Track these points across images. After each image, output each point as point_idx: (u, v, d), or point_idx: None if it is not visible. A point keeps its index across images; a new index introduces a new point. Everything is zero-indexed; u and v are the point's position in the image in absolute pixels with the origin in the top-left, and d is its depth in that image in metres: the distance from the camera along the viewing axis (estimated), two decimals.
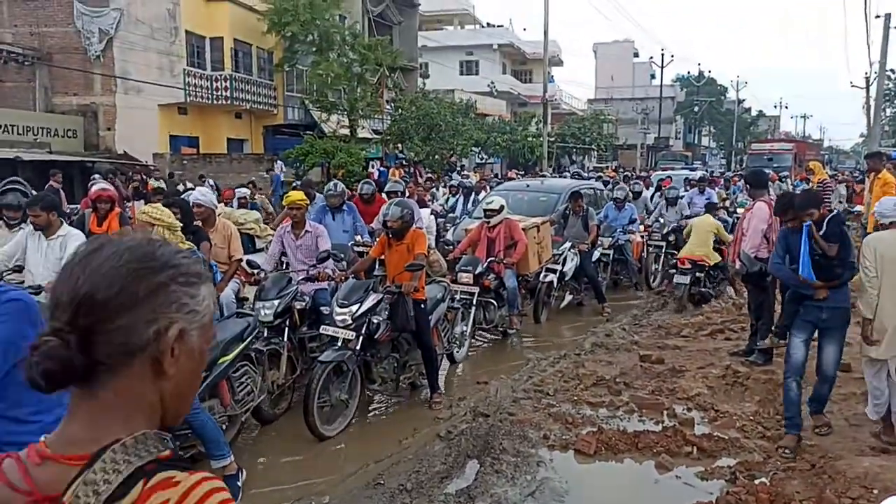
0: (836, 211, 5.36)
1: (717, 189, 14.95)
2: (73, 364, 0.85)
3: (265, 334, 5.25)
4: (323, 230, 6.08)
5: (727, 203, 14.53)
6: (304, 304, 5.66)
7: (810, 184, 10.97)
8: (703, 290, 9.24)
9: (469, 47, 44.08)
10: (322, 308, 5.77)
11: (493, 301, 7.25)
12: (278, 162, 23.06)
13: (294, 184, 15.48)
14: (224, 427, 4.44)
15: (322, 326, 5.32)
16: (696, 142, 65.24)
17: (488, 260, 7.24)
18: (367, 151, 24.42)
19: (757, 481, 4.02)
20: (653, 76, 59.37)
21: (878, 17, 21.70)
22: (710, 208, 10.23)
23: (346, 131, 24.02)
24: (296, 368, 5.53)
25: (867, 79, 35.81)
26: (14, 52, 21.38)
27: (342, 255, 6.21)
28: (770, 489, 3.84)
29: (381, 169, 24.28)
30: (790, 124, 79.37)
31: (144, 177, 16.46)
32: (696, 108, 60.16)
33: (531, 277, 8.04)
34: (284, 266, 6.32)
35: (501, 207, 7.69)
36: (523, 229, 7.60)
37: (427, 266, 6.33)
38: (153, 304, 0.89)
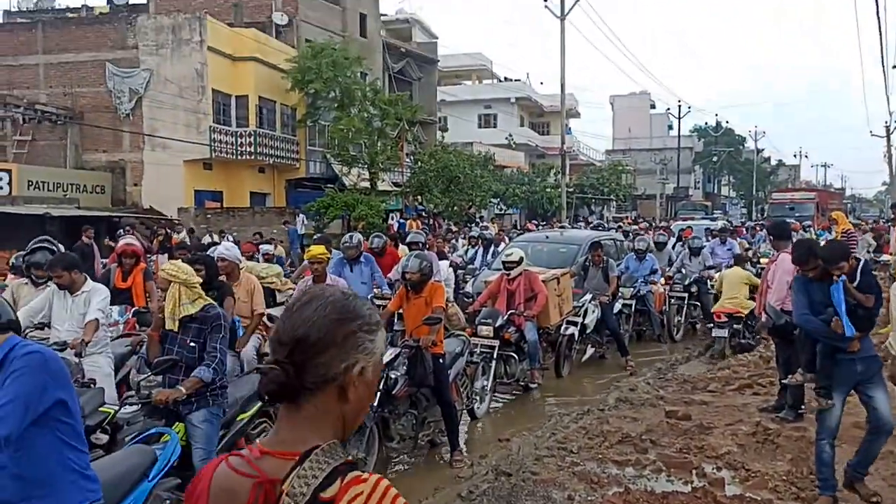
0: (863, 259, 5.29)
1: (739, 239, 14.81)
2: (289, 387, 1.19)
3: None
4: (344, 283, 6.10)
5: (750, 253, 14.38)
6: None
7: (834, 233, 10.82)
8: (742, 341, 9.20)
9: (487, 101, 44.90)
10: None
11: (513, 355, 7.16)
12: (300, 215, 23.38)
13: (315, 236, 15.62)
14: None
15: None
16: (715, 191, 65.10)
17: (508, 312, 7.18)
18: (386, 204, 24.72)
19: None
20: (670, 127, 59.89)
21: (894, 67, 21.81)
22: (739, 260, 10.18)
23: (367, 184, 24.38)
24: None
25: (887, 128, 35.81)
26: (48, 112, 22.19)
27: None
28: None
29: (401, 221, 24.52)
30: (811, 173, 78.91)
31: (169, 231, 16.75)
32: (714, 158, 60.28)
33: (552, 330, 7.95)
34: None
35: (521, 259, 7.68)
36: (543, 281, 7.56)
37: (446, 319, 6.31)
38: (346, 346, 1.21)
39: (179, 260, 5.60)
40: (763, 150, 66.09)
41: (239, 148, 23.61)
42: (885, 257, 12.60)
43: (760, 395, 6.86)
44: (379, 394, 5.01)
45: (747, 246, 15.08)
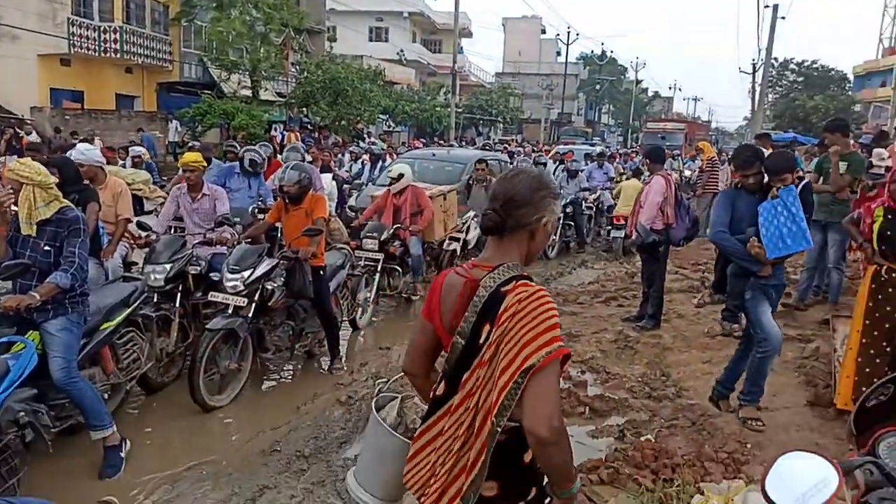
0: (806, 178, 5.73)
1: (615, 164, 15.49)
2: (498, 227, 1.83)
3: (155, 299, 5.00)
4: (222, 192, 5.81)
5: (624, 178, 15.13)
6: (198, 268, 5.40)
7: (700, 162, 11.57)
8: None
9: (379, 13, 43.22)
10: (211, 275, 5.52)
11: (397, 268, 7.22)
12: (173, 121, 21.87)
13: (190, 144, 14.70)
14: (106, 396, 4.19)
15: (211, 293, 5.06)
16: (596, 119, 67.42)
17: (394, 227, 7.18)
18: (269, 114, 23.57)
19: (643, 438, 4.25)
20: (558, 53, 60.66)
21: (766, 6, 23.04)
22: (637, 173, 11.30)
23: (248, 92, 23.03)
24: (188, 335, 5.29)
25: (754, 65, 38.15)
26: None
27: (237, 220, 5.97)
28: (655, 445, 4.06)
29: (284, 132, 23.55)
30: (682, 105, 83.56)
31: (18, 131, 15.08)
32: (597, 87, 62.05)
33: (436, 245, 8.06)
34: (176, 230, 6.01)
35: (401, 175, 7.58)
36: (430, 197, 7.58)
37: (327, 233, 6.21)
38: (539, 205, 1.83)
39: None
40: (642, 80, 68.82)
41: (103, 44, 21.43)
42: None
43: (624, 307, 7.40)
44: (254, 305, 4.92)
45: (622, 171, 15.83)
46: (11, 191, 3.66)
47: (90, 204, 5.09)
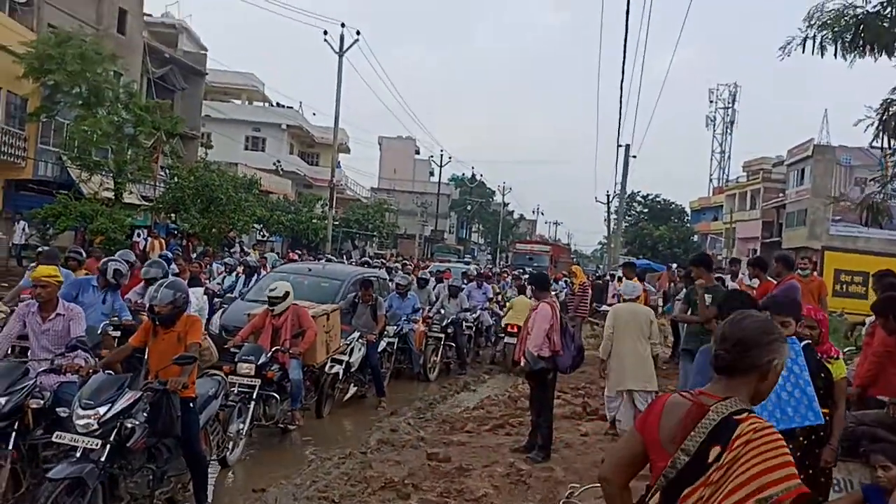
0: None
1: (493, 284, 15.87)
2: (731, 366, 1.99)
3: None
4: (79, 312, 5.13)
5: (500, 297, 15.51)
6: (41, 401, 4.62)
7: (573, 285, 12.10)
8: None
9: (257, 124, 43.43)
10: (59, 409, 4.75)
11: (275, 395, 6.65)
12: (21, 221, 20.00)
13: (38, 249, 13.37)
14: None
15: (56, 433, 4.27)
16: (467, 237, 70.22)
17: (273, 349, 6.70)
18: (133, 218, 22.22)
19: None
20: (431, 173, 63.52)
21: (619, 146, 25.65)
22: (522, 291, 12.47)
23: (111, 195, 21.69)
24: (21, 484, 4.42)
25: (608, 196, 41.89)
26: None
27: (90, 344, 5.27)
28: None
29: (147, 238, 22.20)
30: (544, 228, 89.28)
31: None
32: (468, 207, 65.13)
33: (317, 369, 7.59)
34: (18, 352, 5.22)
35: (286, 294, 7.20)
36: (313, 316, 7.21)
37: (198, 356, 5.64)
38: (769, 347, 1.99)
39: None
40: (509, 203, 73.14)
41: None
42: (604, 307, 14.46)
43: (512, 436, 7.23)
44: (108, 447, 4.23)
45: (498, 290, 16.25)
46: None
47: None
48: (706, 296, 6.97)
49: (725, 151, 65.99)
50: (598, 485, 2.18)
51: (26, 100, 22.32)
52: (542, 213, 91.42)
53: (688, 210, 61.11)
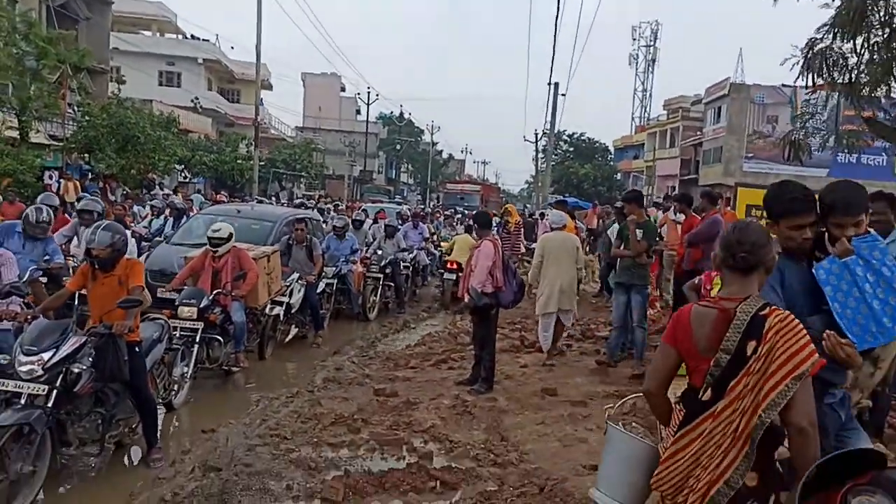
0: None
1: (426, 224, 15.96)
2: (752, 265, 2.41)
3: None
4: (10, 257, 4.92)
5: (435, 237, 15.65)
6: None
7: (508, 224, 12.34)
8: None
9: (170, 57, 40.90)
10: None
11: (218, 337, 6.59)
12: None
13: None
14: None
15: None
16: (396, 177, 69.65)
17: (214, 292, 6.59)
18: (42, 159, 20.83)
19: None
20: (358, 111, 62.05)
21: (548, 84, 25.77)
22: (469, 230, 12.81)
23: (15, 134, 20.20)
24: None
25: (536, 135, 42.32)
26: None
27: (27, 290, 5.07)
28: None
29: (61, 181, 20.92)
30: (473, 168, 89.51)
31: None
32: (397, 147, 64.34)
33: (258, 310, 7.54)
34: None
35: (230, 236, 7.06)
36: (254, 258, 7.11)
37: None
38: (770, 246, 2.44)
39: None
40: (438, 143, 72.74)
41: None
42: (534, 245, 14.85)
43: (455, 370, 7.48)
44: (55, 392, 4.14)
45: (433, 230, 16.37)
46: None
47: None
48: (637, 231, 7.30)
49: (647, 90, 67.41)
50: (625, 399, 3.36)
51: None
52: (471, 153, 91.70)
53: (611, 149, 62.58)
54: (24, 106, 20.06)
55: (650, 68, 67.03)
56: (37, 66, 20.48)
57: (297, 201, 21.66)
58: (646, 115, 64.72)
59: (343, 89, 65.74)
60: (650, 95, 67.36)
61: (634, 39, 67.48)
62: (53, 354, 4.16)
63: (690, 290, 4.83)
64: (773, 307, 2.31)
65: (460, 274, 11.11)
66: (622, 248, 7.44)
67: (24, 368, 4.07)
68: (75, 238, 7.57)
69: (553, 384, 6.67)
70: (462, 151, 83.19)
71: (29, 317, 4.72)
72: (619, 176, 56.81)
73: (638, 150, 58.83)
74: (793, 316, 2.28)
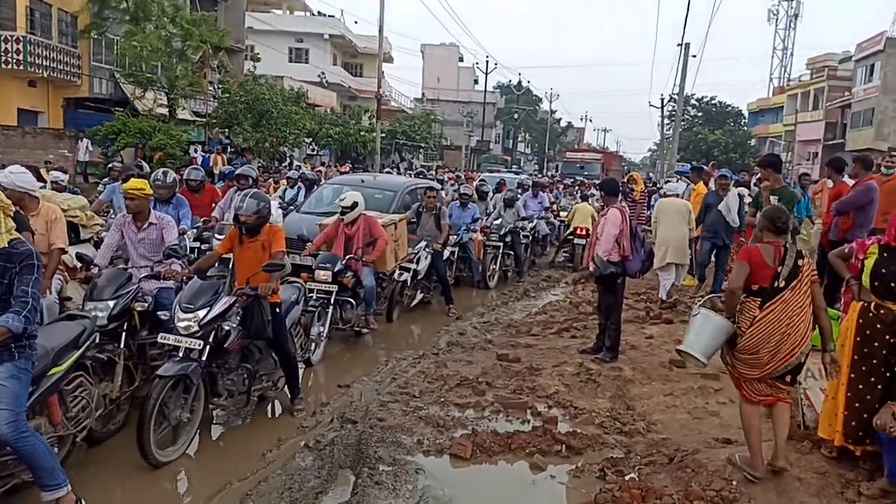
0: None
1: (547, 193, 15.78)
2: (788, 231, 4.16)
3: (97, 340, 4.52)
4: (170, 221, 5.39)
5: (555, 206, 15.45)
6: (145, 305, 4.96)
7: (634, 193, 11.93)
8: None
9: (299, 34, 42.68)
10: (160, 313, 5.08)
11: (350, 300, 6.95)
12: (83, 140, 20.56)
13: (108, 165, 13.84)
14: (55, 450, 3.73)
15: (161, 334, 4.62)
16: (513, 147, 69.11)
17: (346, 257, 6.93)
18: (188, 134, 22.60)
19: (626, 477, 4.21)
20: (476, 81, 61.92)
21: (678, 45, 24.41)
22: (585, 199, 14.50)
23: (164, 111, 22.02)
24: (134, 379, 4.83)
25: (662, 99, 40.34)
26: None
27: (184, 252, 5.56)
28: (640, 485, 4.03)
29: (204, 154, 22.62)
30: (592, 136, 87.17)
31: None
32: (514, 116, 63.65)
33: (387, 276, 7.85)
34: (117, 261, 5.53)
35: (355, 204, 7.35)
36: (383, 226, 7.39)
37: None
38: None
39: None
40: (556, 111, 71.25)
41: (3, 55, 19.92)
42: None
43: (577, 339, 7.43)
44: (208, 347, 4.53)
45: (553, 199, 16.17)
46: None
47: (21, 234, 4.60)
48: (772, 198, 6.85)
49: (788, 48, 62.18)
50: (710, 297, 4.37)
51: (76, 17, 22.43)
52: (591, 121, 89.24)
53: (745, 113, 58.55)
54: (172, 85, 21.78)
55: (791, 24, 61.77)
56: (182, 47, 22.11)
57: (417, 171, 22.09)
58: (786, 75, 59.87)
59: (461, 59, 65.76)
60: (791, 54, 62.26)
61: None
62: (207, 312, 4.53)
63: (837, 257, 4.47)
64: (804, 254, 4.08)
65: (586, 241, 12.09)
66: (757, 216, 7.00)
67: (182, 324, 4.47)
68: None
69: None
70: (581, 119, 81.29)
71: (185, 276, 5.16)
72: (753, 142, 53.07)
73: (776, 113, 54.63)
74: (811, 261, 4.09)
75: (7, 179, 4.84)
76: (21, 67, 20.24)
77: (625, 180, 13.86)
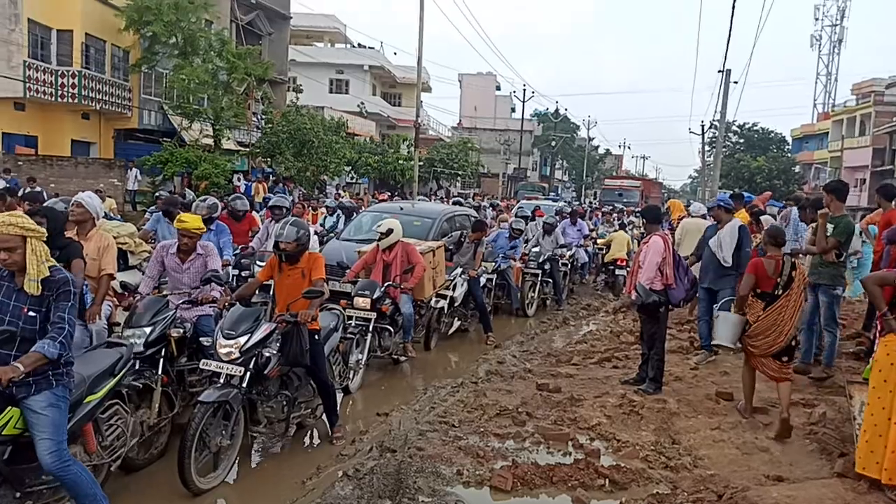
0: None
1: (586, 221, 15.66)
2: (783, 244, 5.77)
3: (136, 367, 4.56)
4: (213, 249, 5.47)
5: (594, 234, 15.30)
6: (181, 331, 4.98)
7: (670, 220, 11.76)
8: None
9: (340, 66, 43.69)
10: (202, 339, 5.14)
11: (388, 328, 6.95)
12: (133, 169, 21.25)
13: (156, 195, 14.24)
14: None
15: (202, 360, 4.65)
16: (550, 174, 69.01)
17: (386, 284, 6.94)
18: (232, 164, 23.19)
19: None
20: (513, 109, 62.31)
21: (720, 71, 24.17)
22: (622, 227, 14.93)
23: (210, 141, 22.67)
24: (174, 405, 4.85)
25: (703, 126, 39.87)
26: None
27: (226, 279, 5.63)
28: None
29: (247, 183, 23.15)
30: (631, 163, 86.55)
31: None
32: (552, 143, 63.67)
33: (425, 303, 7.83)
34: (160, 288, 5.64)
35: (390, 231, 7.35)
36: (420, 253, 7.40)
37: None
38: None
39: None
40: (594, 138, 71.07)
41: (59, 89, 20.85)
42: None
43: (619, 369, 7.27)
44: (248, 374, 4.54)
45: (592, 227, 16.02)
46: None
47: (75, 261, 4.73)
48: (828, 225, 6.64)
49: (832, 73, 61.08)
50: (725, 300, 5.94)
51: (128, 52, 23.38)
52: (629, 147, 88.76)
53: (788, 139, 57.46)
54: (218, 116, 22.44)
55: (835, 50, 60.79)
56: (228, 79, 22.82)
57: (454, 199, 22.19)
58: (830, 101, 58.75)
59: (498, 88, 66.35)
60: (835, 80, 61.11)
61: (817, 19, 61.61)
62: (248, 339, 4.53)
63: (875, 285, 4.36)
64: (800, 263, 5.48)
65: (618, 272, 12.35)
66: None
67: (223, 350, 4.48)
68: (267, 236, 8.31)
69: (728, 388, 6.27)
70: (620, 146, 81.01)
71: (226, 303, 5.20)
72: (797, 168, 51.96)
73: (821, 139, 53.51)
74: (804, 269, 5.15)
75: (87, 200, 5.20)
76: (76, 101, 21.13)
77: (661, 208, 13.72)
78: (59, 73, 20.80)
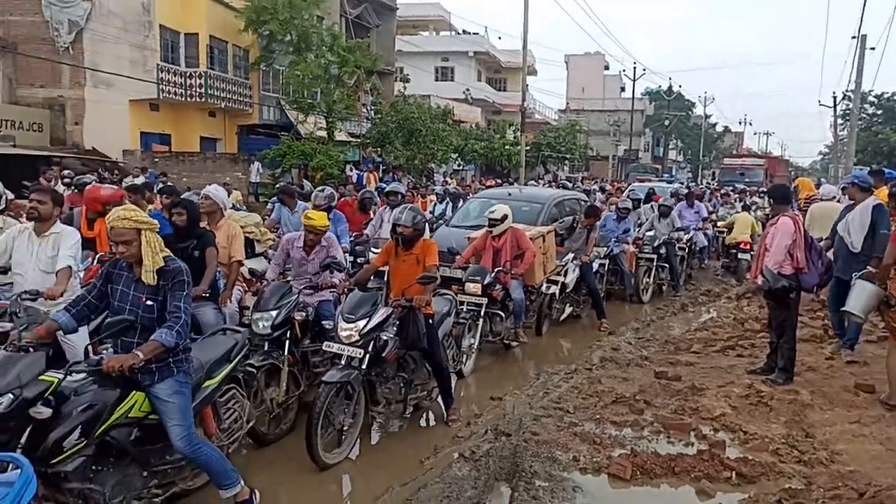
0: None
1: (704, 202, 14.92)
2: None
3: (265, 348, 4.85)
4: (334, 239, 5.74)
5: (714, 216, 14.55)
6: (304, 314, 5.23)
7: (797, 200, 10.96)
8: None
9: (445, 53, 43.96)
10: (324, 322, 5.38)
11: (499, 313, 6.96)
12: (255, 162, 22.49)
13: (276, 186, 14.98)
14: None
15: (325, 342, 4.87)
16: (663, 155, 66.20)
17: (495, 270, 6.95)
18: (344, 154, 24.02)
19: None
20: (622, 89, 60.16)
21: (852, 37, 22.16)
22: (745, 208, 14.70)
23: (324, 133, 23.57)
24: (299, 384, 5.11)
25: (835, 97, 36.79)
26: None
27: (346, 266, 5.84)
28: None
29: (359, 172, 23.91)
30: (753, 141, 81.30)
31: (102, 173, 15.64)
32: (665, 122, 61.02)
33: (536, 289, 7.78)
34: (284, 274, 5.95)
35: (505, 217, 7.35)
36: (531, 239, 7.34)
37: None
38: None
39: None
40: (711, 115, 67.42)
41: (188, 89, 22.40)
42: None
43: (745, 357, 6.90)
44: (367, 356, 4.68)
45: (711, 209, 15.23)
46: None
47: (209, 249, 5.09)
48: None
49: None
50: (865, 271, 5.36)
51: (247, 51, 24.71)
52: (750, 124, 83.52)
53: None
54: (331, 109, 23.27)
55: None
56: (339, 73, 23.60)
57: (560, 183, 21.86)
58: None
59: (607, 67, 64.33)
60: None
61: None
62: (367, 322, 4.70)
63: None
64: None
65: (741, 256, 11.84)
66: None
67: (344, 333, 4.67)
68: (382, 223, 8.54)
69: (869, 379, 5.79)
70: (740, 123, 76.26)
71: (345, 288, 5.40)
72: None
73: None
74: None
75: (214, 193, 5.66)
76: (203, 100, 22.62)
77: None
78: (188, 74, 22.32)
